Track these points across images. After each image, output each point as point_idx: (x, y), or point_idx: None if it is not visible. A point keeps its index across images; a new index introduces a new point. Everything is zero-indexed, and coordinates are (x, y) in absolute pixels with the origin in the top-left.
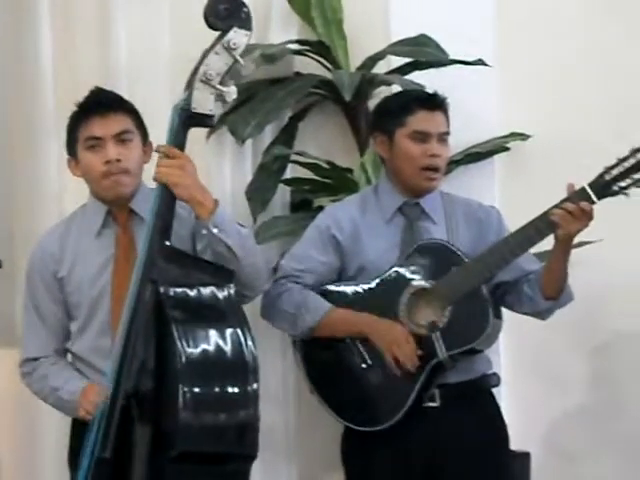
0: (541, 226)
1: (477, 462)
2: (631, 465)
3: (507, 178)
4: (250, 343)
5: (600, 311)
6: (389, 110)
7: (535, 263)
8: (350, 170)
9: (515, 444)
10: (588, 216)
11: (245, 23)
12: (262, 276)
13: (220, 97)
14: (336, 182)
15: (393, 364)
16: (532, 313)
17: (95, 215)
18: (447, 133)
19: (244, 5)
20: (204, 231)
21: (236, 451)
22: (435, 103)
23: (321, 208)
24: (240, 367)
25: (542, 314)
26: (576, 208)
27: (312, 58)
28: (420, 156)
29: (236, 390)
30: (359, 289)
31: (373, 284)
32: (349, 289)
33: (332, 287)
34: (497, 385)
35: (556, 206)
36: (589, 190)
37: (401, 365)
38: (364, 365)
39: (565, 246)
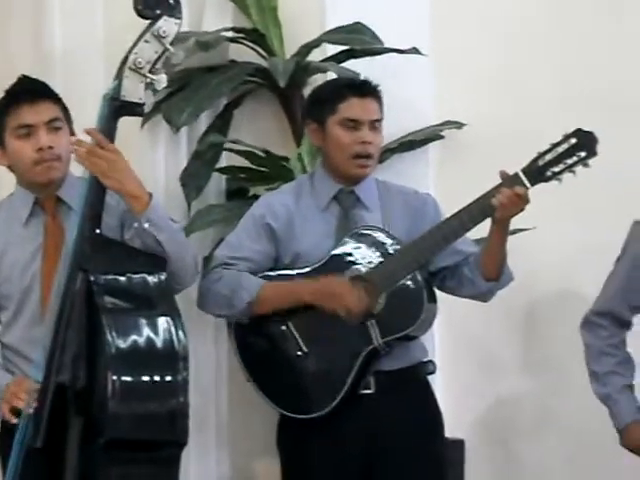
0: (475, 212)
1: (411, 449)
2: (565, 450)
3: (442, 166)
4: (180, 331)
5: (533, 297)
6: (321, 97)
7: (473, 246)
8: (286, 158)
9: (450, 431)
10: (523, 200)
11: (175, 11)
12: (189, 271)
13: (150, 85)
14: (272, 170)
15: (347, 316)
16: (474, 295)
17: (22, 204)
18: (379, 120)
19: None
20: (135, 224)
21: (166, 438)
22: (367, 90)
23: (257, 197)
24: (170, 355)
25: (484, 295)
26: (511, 193)
27: (247, 46)
28: (351, 143)
29: (166, 378)
30: (295, 275)
31: (309, 271)
32: (286, 276)
33: (270, 273)
34: (432, 372)
35: (491, 192)
36: (522, 176)
37: (355, 313)
38: (300, 352)
39: (502, 229)
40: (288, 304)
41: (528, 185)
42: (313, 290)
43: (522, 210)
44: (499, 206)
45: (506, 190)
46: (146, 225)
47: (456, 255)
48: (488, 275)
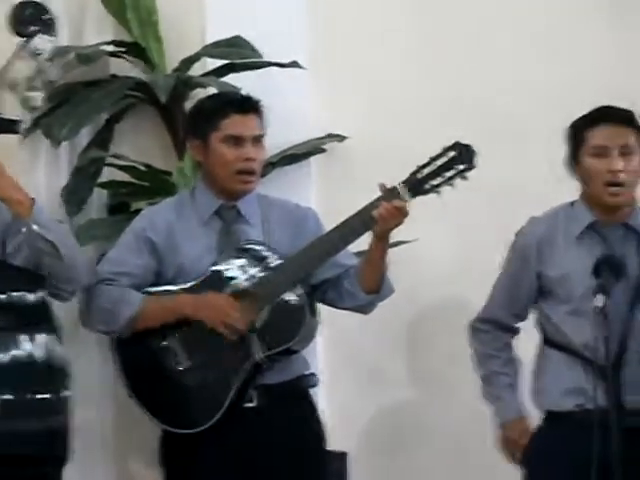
0: (355, 225)
1: (293, 463)
2: (448, 460)
3: (324, 179)
4: (60, 349)
5: (415, 309)
6: (202, 114)
7: (354, 259)
8: (168, 173)
9: (333, 444)
10: (403, 213)
11: (49, 28)
12: (81, 270)
13: (26, 103)
14: (154, 185)
15: (226, 332)
16: (354, 308)
17: None
18: (262, 135)
19: (47, 11)
20: (23, 229)
21: (47, 454)
22: (248, 106)
23: (138, 211)
24: (50, 372)
25: (364, 308)
26: (391, 206)
27: (128, 60)
28: (235, 160)
29: (46, 395)
30: (178, 291)
31: (191, 286)
32: (168, 292)
33: (152, 289)
34: (315, 385)
35: (371, 205)
36: (401, 189)
37: (234, 330)
38: (181, 367)
39: (383, 241)
40: (170, 318)
41: (407, 198)
42: (194, 304)
43: (401, 223)
44: (379, 219)
45: (385, 203)
46: (35, 227)
47: (337, 268)
48: (368, 288)
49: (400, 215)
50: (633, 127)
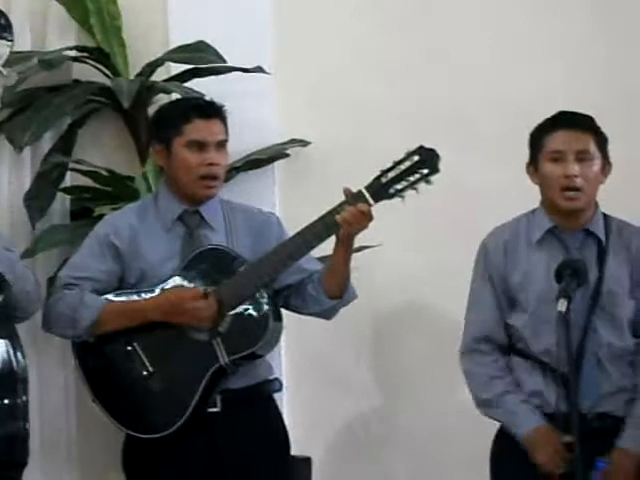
0: (319, 230)
1: (257, 468)
2: (413, 466)
3: (287, 184)
4: (19, 354)
5: (379, 314)
6: (165, 119)
7: (317, 264)
8: (131, 178)
9: (297, 449)
10: (367, 217)
11: (5, 33)
12: (33, 299)
13: None
14: (116, 190)
15: (195, 321)
16: (317, 313)
17: None
18: (225, 141)
19: (3, 15)
20: None
21: (4, 459)
22: (211, 111)
23: (101, 216)
24: (8, 378)
25: (327, 313)
26: (355, 210)
27: (91, 65)
28: (198, 165)
29: (4, 401)
30: (140, 298)
31: (155, 291)
32: (130, 298)
33: (112, 297)
34: (279, 390)
35: (335, 209)
36: (366, 193)
37: (206, 317)
38: (145, 372)
39: (347, 246)
40: (132, 322)
41: (371, 202)
42: (158, 305)
43: (365, 227)
44: (343, 223)
45: (349, 207)
46: None
47: (300, 273)
48: (332, 293)
49: (364, 219)
50: (592, 133)
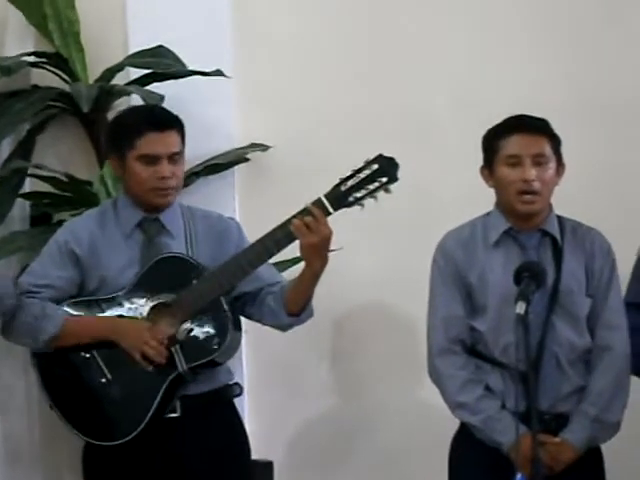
0: (279, 237)
1: (218, 473)
2: (374, 470)
3: (247, 189)
4: None
5: (342, 317)
6: (119, 132)
7: (276, 274)
8: (89, 183)
9: (258, 453)
10: (324, 228)
11: None
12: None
13: None
14: (76, 195)
15: (143, 362)
16: (273, 326)
17: None
18: (179, 152)
19: None
20: None
21: None
22: (165, 123)
23: (61, 222)
24: None
25: (282, 328)
26: (311, 220)
27: (50, 70)
28: (149, 178)
29: None
30: (100, 312)
31: (114, 301)
32: (91, 310)
33: (71, 310)
34: (239, 395)
35: (293, 217)
36: (325, 201)
37: (152, 360)
38: (104, 380)
39: (310, 260)
40: (90, 339)
41: (331, 210)
42: (114, 330)
43: (325, 237)
44: (297, 232)
45: (306, 217)
46: None
47: (258, 282)
48: (291, 310)
49: (318, 229)
50: (547, 136)
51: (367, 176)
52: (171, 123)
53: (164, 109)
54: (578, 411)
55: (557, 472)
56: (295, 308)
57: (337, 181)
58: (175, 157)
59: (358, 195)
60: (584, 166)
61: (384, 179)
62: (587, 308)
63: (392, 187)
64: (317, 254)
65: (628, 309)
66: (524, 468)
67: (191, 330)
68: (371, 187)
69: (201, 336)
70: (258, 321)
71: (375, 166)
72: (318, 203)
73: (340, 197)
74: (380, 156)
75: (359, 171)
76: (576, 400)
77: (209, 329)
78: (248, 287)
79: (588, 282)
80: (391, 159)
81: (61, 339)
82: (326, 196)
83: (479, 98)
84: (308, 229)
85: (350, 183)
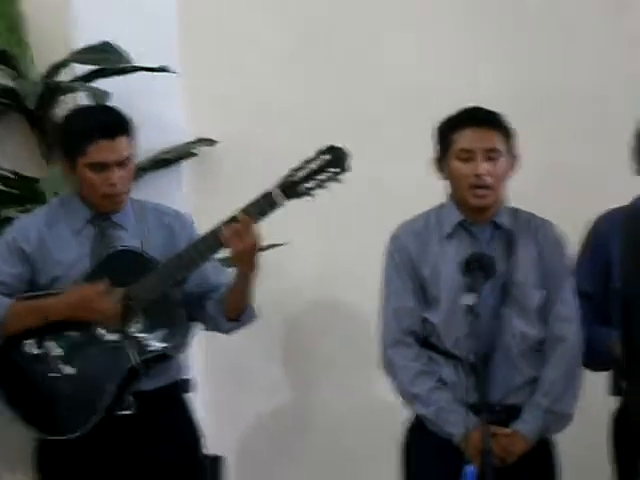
0: (216, 235)
1: (170, 468)
2: (327, 464)
3: (195, 183)
4: None
5: (292, 312)
6: (69, 137)
7: (222, 277)
8: (36, 180)
9: (210, 448)
10: (250, 236)
11: None
12: None
13: None
14: (23, 193)
15: (104, 319)
16: (214, 330)
17: None
18: (129, 157)
19: None
20: None
21: None
22: (115, 130)
23: (9, 219)
24: None
25: (224, 332)
26: (239, 227)
27: None
28: (100, 185)
29: None
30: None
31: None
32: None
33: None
34: (190, 391)
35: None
36: (276, 191)
37: (111, 315)
38: (57, 373)
39: (242, 265)
40: (39, 320)
41: (283, 201)
42: (65, 303)
43: (253, 245)
44: (226, 241)
45: (235, 225)
46: None
47: (203, 284)
48: (230, 315)
49: (245, 237)
50: (499, 130)
51: (318, 167)
52: (122, 129)
53: (114, 112)
54: (530, 402)
55: (508, 463)
56: (234, 313)
57: (288, 172)
58: (125, 161)
59: (309, 185)
60: (529, 160)
61: (335, 169)
62: (539, 300)
63: (344, 180)
64: (246, 260)
65: None
66: (475, 459)
67: (143, 323)
68: (322, 177)
69: (154, 328)
70: (200, 325)
71: (326, 156)
72: (269, 194)
73: (291, 187)
74: (331, 147)
75: (310, 161)
76: (528, 392)
77: (161, 322)
78: (194, 288)
79: (540, 274)
80: (342, 149)
81: (9, 325)
82: (277, 186)
83: (429, 91)
84: (237, 236)
85: (301, 174)
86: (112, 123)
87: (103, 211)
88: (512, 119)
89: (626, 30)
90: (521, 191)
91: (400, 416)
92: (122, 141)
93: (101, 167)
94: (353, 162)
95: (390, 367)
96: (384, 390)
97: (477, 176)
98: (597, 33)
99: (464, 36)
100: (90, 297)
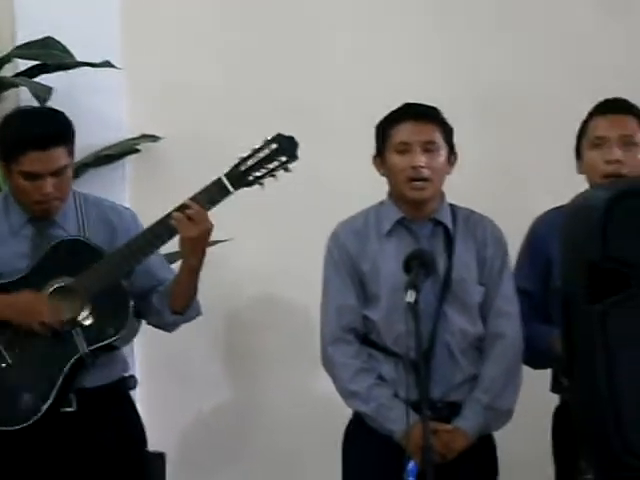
0: (167, 224)
1: (112, 465)
2: (267, 460)
3: (138, 180)
4: None
5: (233, 307)
6: (3, 144)
7: (168, 271)
8: None
9: (151, 445)
10: (204, 221)
11: None
12: None
13: None
14: None
15: (41, 330)
16: (157, 325)
17: None
18: (65, 165)
19: None
20: None
21: None
22: (48, 142)
23: None
24: None
25: (167, 326)
26: (193, 213)
27: None
28: (32, 193)
29: None
30: None
31: (10, 288)
32: None
33: None
34: (134, 387)
35: (173, 212)
36: (225, 180)
37: (49, 326)
38: (3, 364)
39: (187, 255)
40: None
41: (231, 189)
42: (6, 306)
43: (205, 232)
44: (179, 226)
45: (188, 211)
46: None
47: (149, 278)
48: (175, 307)
49: (199, 222)
50: (437, 124)
51: (266, 155)
52: (56, 140)
53: (51, 121)
54: (470, 399)
55: (449, 460)
56: (179, 306)
57: (236, 160)
58: (60, 171)
59: (258, 174)
60: (473, 159)
61: (283, 158)
62: (479, 296)
63: (292, 169)
64: (195, 249)
65: None
66: (416, 456)
67: (91, 313)
68: (271, 166)
69: (101, 319)
70: (145, 319)
71: (274, 145)
72: (218, 182)
73: (240, 176)
74: (279, 135)
75: (258, 150)
76: (468, 388)
77: (110, 312)
78: (140, 282)
79: (480, 270)
80: (290, 138)
81: None
82: (226, 175)
83: (372, 88)
84: (189, 221)
85: (250, 162)
86: (45, 134)
87: (38, 216)
88: (455, 118)
89: (571, 27)
90: (465, 189)
91: (343, 413)
92: (56, 151)
93: (33, 177)
94: (299, 157)
95: (330, 364)
96: (327, 387)
97: (414, 168)
98: (539, 31)
99: (408, 33)
100: (34, 308)
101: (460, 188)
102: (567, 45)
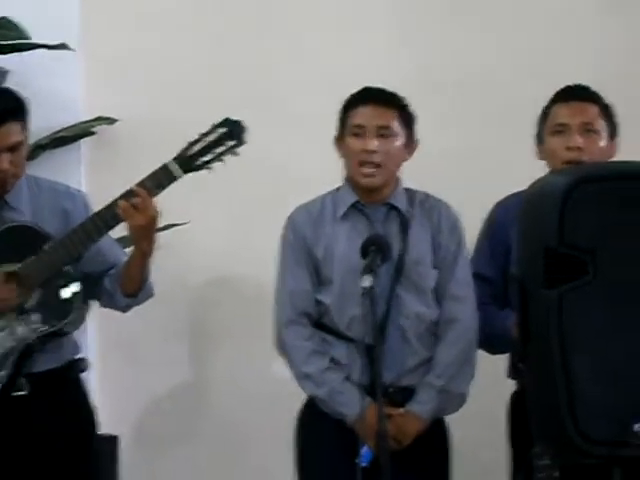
0: (112, 210)
1: (63, 448)
2: (224, 440)
3: (94, 162)
4: None
5: (189, 291)
6: None
7: (120, 256)
8: None
9: (104, 428)
10: (150, 209)
11: None
12: None
13: None
14: None
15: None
16: (110, 307)
17: None
18: (18, 142)
19: None
20: None
21: None
22: (1, 117)
23: None
24: None
25: (120, 309)
26: (138, 201)
27: None
28: None
29: None
30: None
31: None
32: None
33: None
34: (85, 370)
35: (119, 199)
36: (173, 165)
37: (5, 305)
38: None
39: (138, 241)
40: None
41: (180, 174)
42: None
43: (151, 219)
44: (125, 214)
45: (133, 199)
46: None
47: (101, 263)
48: (127, 290)
49: (145, 210)
50: (396, 109)
51: (215, 139)
52: (9, 116)
53: (3, 97)
54: (424, 382)
55: (404, 445)
56: (131, 289)
57: (185, 145)
58: (15, 146)
59: (206, 159)
60: (432, 144)
61: (231, 142)
62: (434, 280)
63: (239, 153)
64: (144, 235)
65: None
66: (370, 440)
67: (39, 299)
68: (218, 150)
69: (50, 304)
70: (99, 303)
71: (222, 129)
72: (167, 167)
73: (188, 161)
74: (227, 120)
75: (206, 135)
76: (422, 373)
77: (57, 298)
78: (91, 266)
79: (435, 254)
80: (238, 122)
81: None
82: (174, 160)
83: (334, 72)
84: (135, 210)
85: (197, 147)
86: None
87: None
88: (413, 102)
89: (538, 14)
90: (425, 175)
91: (299, 392)
92: (10, 127)
93: None
94: (255, 141)
95: (283, 347)
96: (283, 368)
97: (366, 152)
98: (505, 16)
99: (369, 21)
100: None
101: (422, 173)
102: (527, 29)
